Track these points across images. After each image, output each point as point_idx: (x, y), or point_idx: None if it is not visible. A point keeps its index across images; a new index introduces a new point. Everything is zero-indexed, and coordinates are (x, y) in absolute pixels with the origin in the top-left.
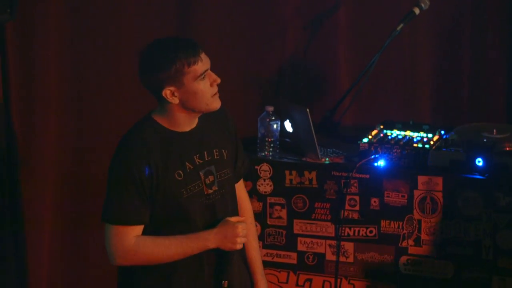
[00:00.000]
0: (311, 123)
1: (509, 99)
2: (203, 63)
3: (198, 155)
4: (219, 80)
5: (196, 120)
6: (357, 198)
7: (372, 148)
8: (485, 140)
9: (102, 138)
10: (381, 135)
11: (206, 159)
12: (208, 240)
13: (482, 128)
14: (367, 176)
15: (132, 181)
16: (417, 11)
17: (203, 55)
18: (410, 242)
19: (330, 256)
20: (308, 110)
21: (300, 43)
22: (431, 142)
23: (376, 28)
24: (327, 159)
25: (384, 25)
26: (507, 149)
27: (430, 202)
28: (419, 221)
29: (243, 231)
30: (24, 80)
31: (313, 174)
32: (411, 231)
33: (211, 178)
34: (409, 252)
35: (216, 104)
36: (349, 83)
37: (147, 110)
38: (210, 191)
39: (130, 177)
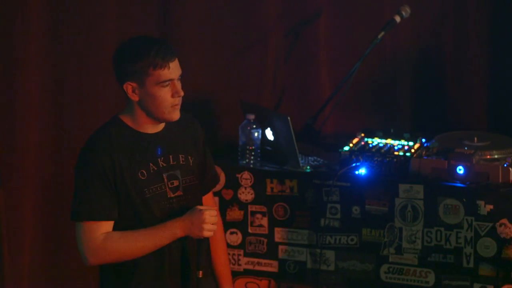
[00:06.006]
0: (292, 131)
1: (490, 107)
2: (170, 71)
3: (162, 158)
4: (182, 94)
5: (162, 124)
6: (338, 206)
7: (353, 156)
8: (466, 148)
9: (82, 141)
10: (362, 143)
11: (171, 163)
12: (176, 227)
13: (463, 136)
14: (348, 184)
15: (97, 176)
16: (398, 19)
17: (173, 64)
18: (391, 250)
19: (311, 265)
20: (289, 118)
21: (282, 50)
22: (412, 150)
23: (357, 35)
24: (308, 167)
25: (365, 33)
26: (488, 157)
27: (411, 210)
28: (400, 229)
29: (210, 218)
30: (4, 81)
31: (294, 182)
32: (392, 239)
33: (175, 182)
34: (390, 260)
35: (174, 115)
36: (330, 90)
37: None
38: (174, 195)
39: (94, 173)
